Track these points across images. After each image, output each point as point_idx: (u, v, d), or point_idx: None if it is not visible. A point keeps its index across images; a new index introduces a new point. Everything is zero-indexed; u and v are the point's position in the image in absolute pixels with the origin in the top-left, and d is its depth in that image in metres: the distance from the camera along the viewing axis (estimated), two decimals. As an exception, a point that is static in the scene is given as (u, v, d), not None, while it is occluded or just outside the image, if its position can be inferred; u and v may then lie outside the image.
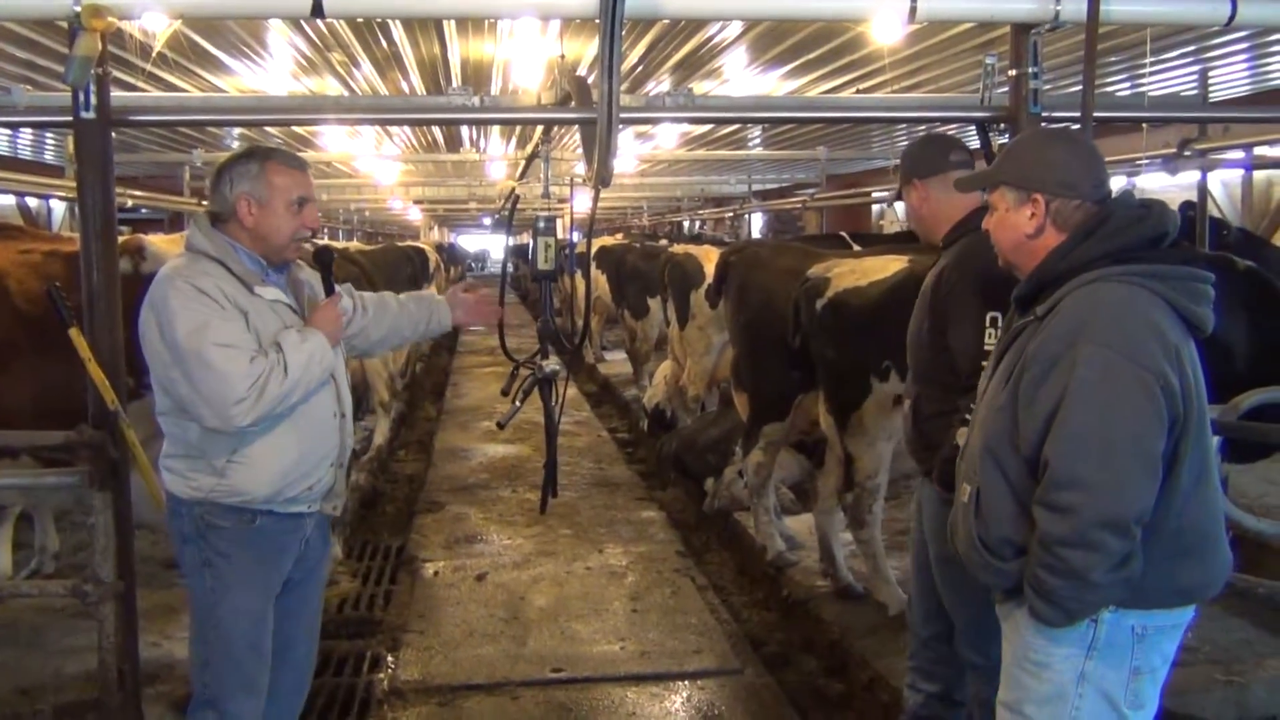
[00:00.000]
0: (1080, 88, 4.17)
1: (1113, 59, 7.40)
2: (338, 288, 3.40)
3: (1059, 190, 2.53)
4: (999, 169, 2.69)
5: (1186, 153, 7.10)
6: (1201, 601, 2.52)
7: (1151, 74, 7.87)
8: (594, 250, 13.37)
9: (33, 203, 13.20)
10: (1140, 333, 2.32)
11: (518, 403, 4.03)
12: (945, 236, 3.46)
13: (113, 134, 4.03)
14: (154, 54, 5.79)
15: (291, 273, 3.33)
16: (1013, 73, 4.33)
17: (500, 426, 4.16)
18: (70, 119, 3.98)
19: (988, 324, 3.12)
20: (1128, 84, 8.46)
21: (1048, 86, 4.42)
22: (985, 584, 2.57)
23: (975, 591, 2.76)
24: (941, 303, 3.32)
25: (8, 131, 10.86)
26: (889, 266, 5.09)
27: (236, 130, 11.52)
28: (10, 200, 12.31)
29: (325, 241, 3.26)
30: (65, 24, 3.89)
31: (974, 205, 3.41)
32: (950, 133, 5.04)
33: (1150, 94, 8.13)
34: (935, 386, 3.37)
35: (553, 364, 4.08)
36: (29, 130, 10.82)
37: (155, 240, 5.24)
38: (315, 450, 3.22)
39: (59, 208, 13.60)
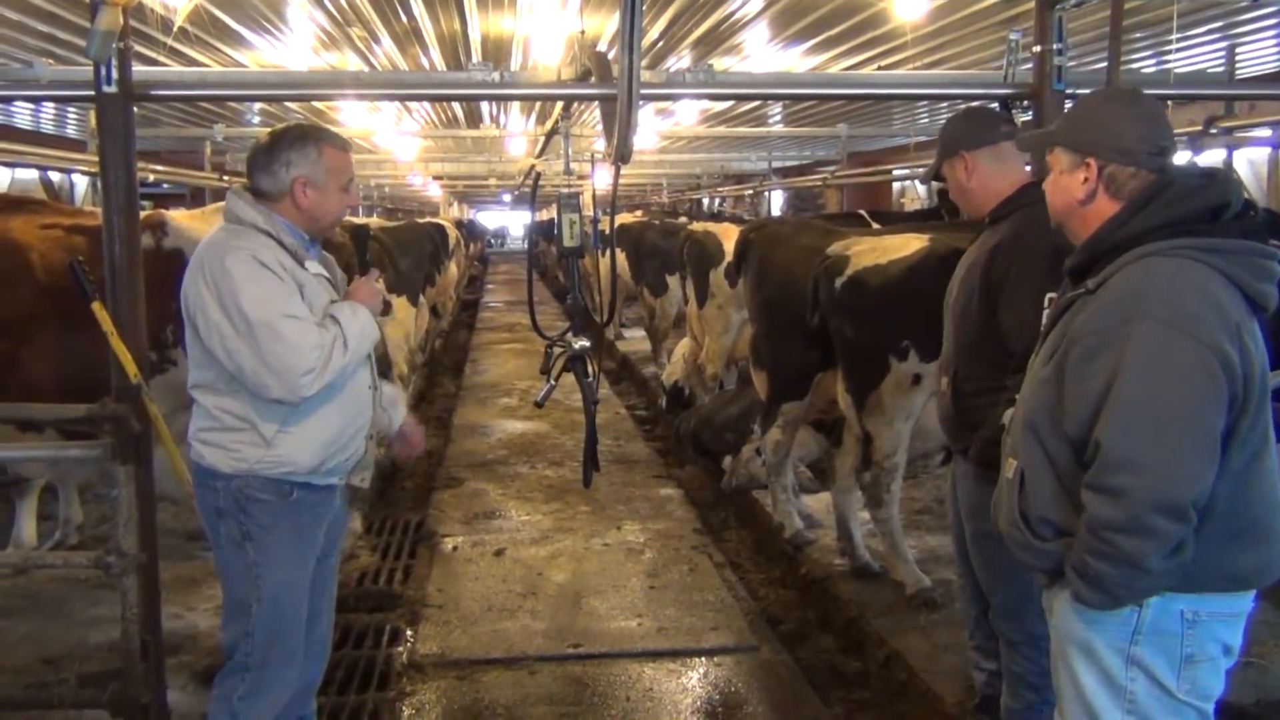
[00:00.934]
0: (1105, 64, 4.13)
1: (1138, 35, 7.31)
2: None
3: (1113, 156, 2.42)
4: (1056, 128, 2.59)
5: (1213, 130, 7.02)
6: (1259, 588, 2.39)
7: (1178, 50, 7.78)
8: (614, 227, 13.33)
9: (55, 177, 13.23)
10: (1198, 307, 2.21)
11: (553, 380, 4.04)
12: (993, 211, 3.41)
13: (134, 108, 4.04)
14: (175, 28, 5.80)
15: (319, 248, 3.38)
16: (1037, 49, 4.28)
17: (538, 405, 4.18)
18: (92, 93, 3.99)
19: (1046, 304, 3.08)
20: (1153, 60, 8.37)
21: (1072, 63, 4.36)
22: (1025, 564, 2.49)
23: (1014, 568, 2.71)
24: (995, 279, 3.25)
25: (30, 105, 10.90)
26: (909, 245, 5.06)
27: (257, 105, 11.53)
28: (33, 174, 12.36)
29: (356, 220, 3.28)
30: (87, -2, 3.89)
31: (1023, 180, 3.40)
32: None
33: (1176, 71, 8.02)
34: (980, 364, 3.31)
35: (583, 340, 4.08)
36: (51, 104, 10.85)
37: (177, 215, 5.26)
38: (354, 422, 3.30)
39: (81, 182, 13.64)
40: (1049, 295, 3.05)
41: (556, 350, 4.07)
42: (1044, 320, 3.03)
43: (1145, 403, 2.18)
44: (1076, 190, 2.46)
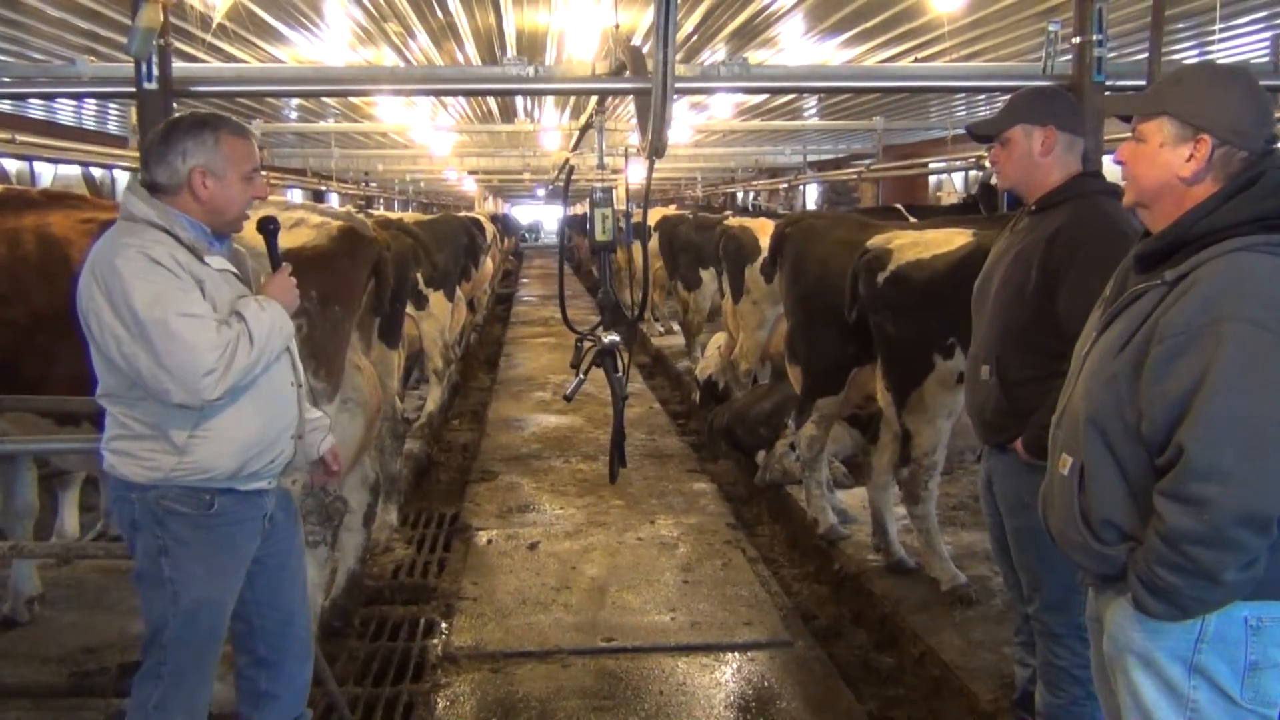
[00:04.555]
0: (1146, 55, 4.08)
1: (1180, 25, 7.22)
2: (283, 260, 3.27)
3: (1230, 136, 2.24)
4: (1164, 96, 2.34)
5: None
6: None
7: (1221, 40, 7.67)
8: (656, 221, 13.35)
9: (97, 173, 13.46)
10: None
11: (582, 375, 4.03)
12: (1043, 198, 3.36)
13: (174, 104, 4.09)
14: (214, 25, 5.86)
15: (229, 242, 3.20)
16: (1076, 40, 4.24)
17: (567, 399, 4.16)
18: (133, 89, 4.05)
19: (1109, 287, 3.04)
20: (1196, 51, 8.26)
21: (1112, 54, 4.32)
22: (1079, 566, 2.39)
23: (1061, 561, 2.66)
24: (1054, 265, 3.20)
25: (73, 102, 11.07)
26: (953, 240, 4.94)
27: (295, 100, 11.63)
28: (75, 170, 12.55)
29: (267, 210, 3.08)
30: (128, -4, 3.95)
31: (1076, 172, 3.36)
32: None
33: (1219, 61, 7.92)
34: (1031, 351, 3.27)
35: (613, 335, 4.08)
36: (93, 101, 11.01)
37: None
38: (276, 421, 3.12)
39: (123, 178, 13.83)
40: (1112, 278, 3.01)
41: (586, 344, 4.07)
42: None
43: (1237, 410, 2.06)
44: (1180, 167, 2.27)
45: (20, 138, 9.08)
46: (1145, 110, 2.38)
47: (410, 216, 12.75)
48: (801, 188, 19.62)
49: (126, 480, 3.01)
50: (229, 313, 2.96)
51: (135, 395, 2.94)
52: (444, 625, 5.20)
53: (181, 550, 3.02)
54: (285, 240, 4.26)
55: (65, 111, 11.90)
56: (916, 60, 8.67)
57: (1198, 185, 2.27)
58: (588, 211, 4.18)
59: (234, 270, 3.11)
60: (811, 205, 20.47)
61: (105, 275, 2.86)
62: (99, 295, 2.87)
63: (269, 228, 3.27)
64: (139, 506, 3.01)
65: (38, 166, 11.46)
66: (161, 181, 3.00)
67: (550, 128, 14.18)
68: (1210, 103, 2.27)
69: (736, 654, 4.90)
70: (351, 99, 11.41)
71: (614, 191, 4.26)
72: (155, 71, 4.00)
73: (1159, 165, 2.30)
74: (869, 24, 7.73)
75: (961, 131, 12.86)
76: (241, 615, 3.23)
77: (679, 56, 4.20)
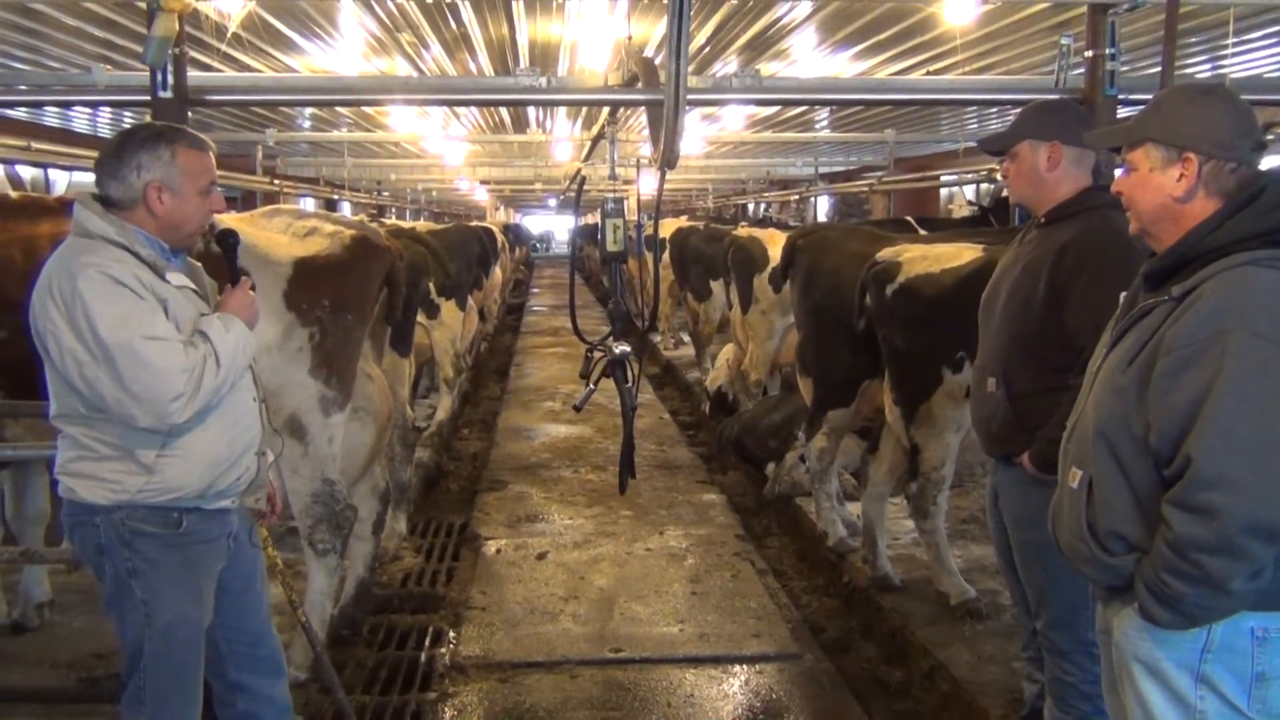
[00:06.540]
0: (1159, 69, 4.07)
1: (1193, 40, 7.21)
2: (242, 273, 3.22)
3: (1214, 151, 2.30)
4: (1143, 124, 2.41)
5: (1269, 137, 6.90)
6: None
7: (1234, 55, 7.66)
8: (670, 233, 13.37)
9: (111, 181, 13.51)
10: None
11: (592, 385, 4.02)
12: (1052, 211, 3.35)
13: (189, 113, 4.12)
14: (229, 35, 5.89)
15: (185, 257, 3.15)
16: (1089, 54, 4.25)
17: (576, 409, 4.15)
18: (148, 98, 4.08)
19: (1121, 304, 3.05)
20: (1209, 66, 8.24)
21: (1125, 68, 4.32)
22: (1088, 579, 2.41)
23: (1068, 576, 2.65)
24: (1063, 279, 3.19)
25: (88, 110, 11.13)
26: (962, 254, 4.93)
27: (308, 110, 11.69)
28: (90, 178, 12.63)
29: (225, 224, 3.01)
30: (144, 5, 3.98)
31: (1086, 186, 3.35)
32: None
33: (1232, 76, 7.91)
34: (1038, 364, 3.26)
35: (623, 345, 4.08)
36: (108, 109, 11.07)
37: (226, 219, 5.32)
38: (242, 438, 3.10)
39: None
40: (1124, 295, 3.01)
41: (596, 355, 4.07)
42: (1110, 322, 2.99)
43: (1243, 420, 2.08)
44: (1172, 188, 2.33)
45: (36, 145, 9.14)
46: (1128, 139, 2.44)
47: (422, 226, 12.79)
48: (812, 199, 19.61)
49: (88, 504, 2.94)
50: (192, 332, 2.92)
51: (98, 416, 2.87)
52: (452, 634, 5.20)
53: (153, 571, 2.97)
54: (299, 249, 4.30)
55: (81, 119, 11.98)
56: (928, 73, 8.68)
57: (1193, 202, 2.32)
58: (599, 222, 4.19)
59: (193, 286, 3.06)
60: (822, 217, 20.46)
61: (65, 296, 2.77)
62: (57, 316, 2.78)
63: (228, 241, 3.22)
64: (104, 529, 2.94)
65: (53, 174, 11.53)
66: (115, 196, 2.93)
67: (562, 138, 14.22)
68: (1188, 121, 2.34)
69: (745, 666, 4.89)
70: (365, 109, 11.46)
71: (625, 202, 4.27)
72: (170, 80, 4.04)
73: (1152, 189, 2.36)
74: (881, 37, 7.74)
75: (973, 144, 12.87)
76: (210, 640, 3.19)
77: (691, 68, 4.23)
